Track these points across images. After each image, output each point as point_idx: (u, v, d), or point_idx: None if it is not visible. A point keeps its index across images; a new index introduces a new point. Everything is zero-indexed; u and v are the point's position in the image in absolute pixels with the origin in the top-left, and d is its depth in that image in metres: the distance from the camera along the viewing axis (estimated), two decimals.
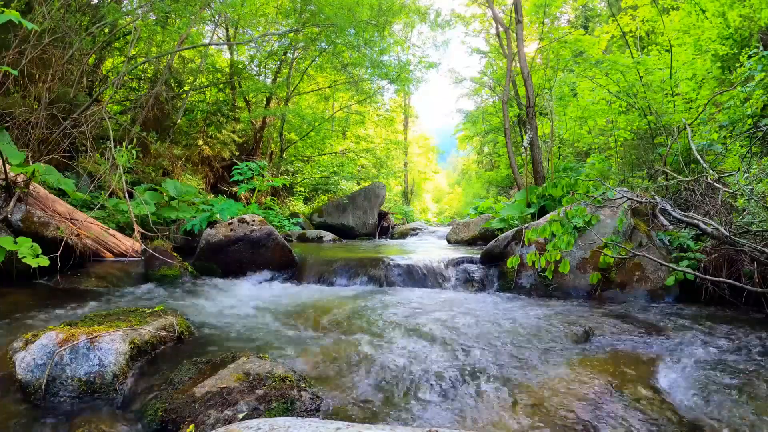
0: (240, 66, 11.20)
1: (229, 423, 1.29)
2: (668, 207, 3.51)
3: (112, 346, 1.70)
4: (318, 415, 1.45)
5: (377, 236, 10.69)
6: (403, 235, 10.73)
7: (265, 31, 10.70)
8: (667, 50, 6.78)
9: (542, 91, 11.64)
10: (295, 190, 13.51)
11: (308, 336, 2.31)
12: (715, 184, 3.53)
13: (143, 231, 4.34)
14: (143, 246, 3.88)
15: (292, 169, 13.66)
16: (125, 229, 4.63)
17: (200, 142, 10.14)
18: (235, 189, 8.08)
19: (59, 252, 3.22)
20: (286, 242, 4.24)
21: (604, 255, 3.34)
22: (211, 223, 4.55)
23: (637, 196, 3.80)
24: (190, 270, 3.86)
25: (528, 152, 8.29)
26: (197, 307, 2.86)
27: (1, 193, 3.45)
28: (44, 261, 2.91)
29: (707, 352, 2.06)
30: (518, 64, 10.35)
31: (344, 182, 14.52)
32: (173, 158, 8.74)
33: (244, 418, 1.34)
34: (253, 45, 10.85)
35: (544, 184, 6.28)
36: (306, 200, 14.15)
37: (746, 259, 2.91)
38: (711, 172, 3.62)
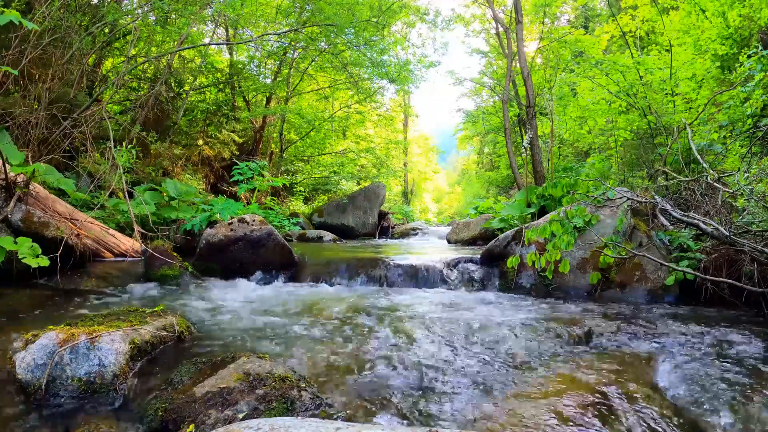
0: (240, 66, 11.20)
1: (229, 423, 1.29)
2: (668, 207, 3.50)
3: (112, 346, 1.70)
4: (318, 415, 1.45)
5: (377, 236, 10.68)
6: (403, 235, 10.72)
7: (264, 31, 10.69)
8: (667, 50, 6.78)
9: (542, 91, 11.65)
10: (295, 190, 13.50)
11: (308, 336, 2.31)
12: (715, 184, 3.53)
13: (143, 231, 4.33)
14: (143, 246, 3.88)
15: (292, 169, 13.65)
16: (125, 229, 4.63)
17: (200, 142, 10.13)
18: (235, 189, 8.07)
19: (59, 252, 3.21)
20: (286, 242, 4.24)
21: (604, 255, 3.33)
22: (211, 223, 4.55)
23: (637, 196, 3.80)
24: (190, 270, 3.86)
25: (528, 152, 8.29)
26: (197, 307, 2.86)
27: (1, 193, 3.45)
28: (44, 261, 2.91)
29: (707, 352, 2.06)
30: (518, 64, 10.36)
31: (344, 182, 14.51)
32: (173, 158, 8.74)
33: (244, 418, 1.34)
34: (253, 45, 10.83)
35: (544, 184, 6.27)
36: (306, 200, 14.14)
37: (746, 259, 2.91)
38: (711, 172, 3.62)
